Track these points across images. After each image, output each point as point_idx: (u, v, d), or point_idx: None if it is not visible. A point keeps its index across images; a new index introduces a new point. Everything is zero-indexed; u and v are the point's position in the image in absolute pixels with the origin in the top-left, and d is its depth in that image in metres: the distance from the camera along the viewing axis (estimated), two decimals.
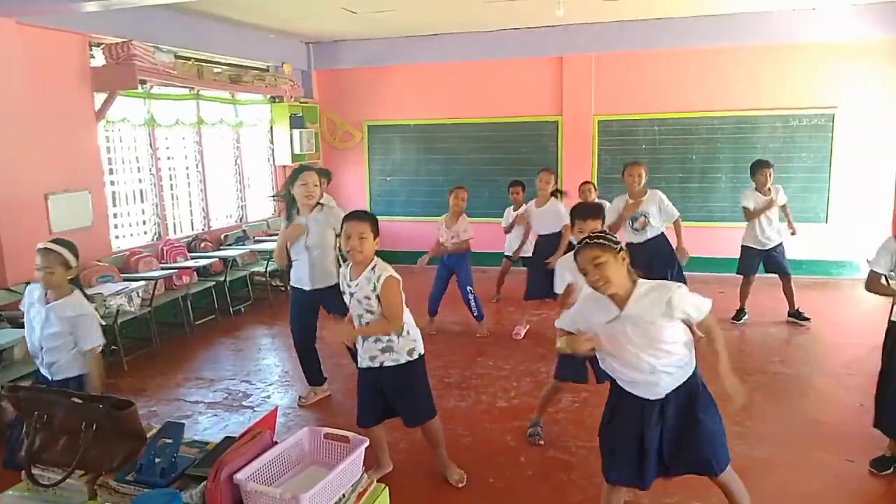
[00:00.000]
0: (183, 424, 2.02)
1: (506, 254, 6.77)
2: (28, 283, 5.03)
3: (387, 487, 1.98)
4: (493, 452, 3.84)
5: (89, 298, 4.93)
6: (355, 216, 3.15)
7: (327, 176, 6.95)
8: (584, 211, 3.70)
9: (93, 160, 5.91)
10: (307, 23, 7.61)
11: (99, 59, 5.93)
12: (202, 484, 1.81)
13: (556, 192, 5.92)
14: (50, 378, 3.23)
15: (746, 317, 6.19)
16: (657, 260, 5.39)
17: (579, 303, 2.77)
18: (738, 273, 6.20)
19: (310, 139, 8.73)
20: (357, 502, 1.87)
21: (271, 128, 8.54)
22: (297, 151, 8.51)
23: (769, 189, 6.04)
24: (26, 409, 2.10)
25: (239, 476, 1.73)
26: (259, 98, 8.19)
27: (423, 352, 3.35)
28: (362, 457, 1.90)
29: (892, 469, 3.51)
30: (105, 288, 5.31)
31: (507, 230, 6.50)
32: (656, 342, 2.46)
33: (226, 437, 2.04)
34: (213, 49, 7.18)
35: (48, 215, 5.36)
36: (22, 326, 4.49)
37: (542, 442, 3.91)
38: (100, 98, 5.92)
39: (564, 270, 3.56)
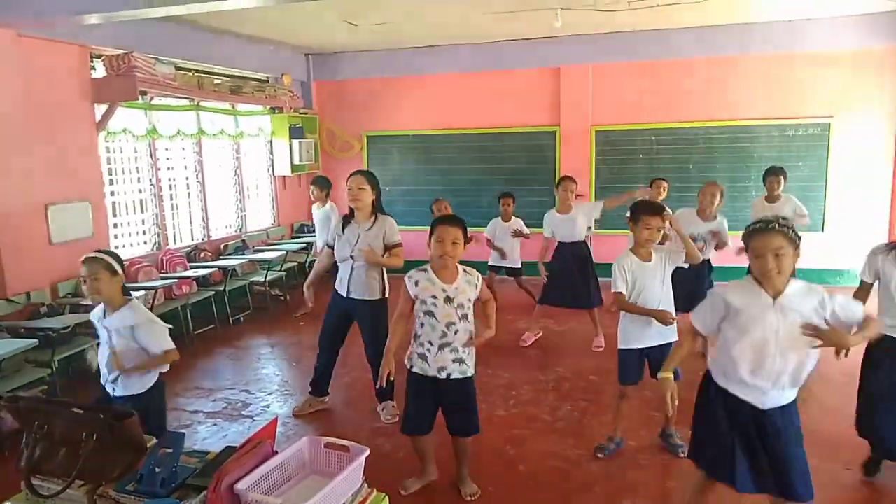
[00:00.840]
0: (183, 434, 2.03)
1: (490, 264, 6.73)
2: (28, 293, 5.08)
3: (387, 496, 1.99)
4: (492, 461, 3.83)
5: (86, 308, 4.96)
6: (449, 221, 3.14)
7: (327, 185, 7.00)
8: (652, 207, 3.66)
9: (93, 171, 5.92)
10: (307, 35, 7.66)
11: (100, 70, 5.96)
12: (202, 494, 1.82)
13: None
14: (112, 394, 3.12)
15: None
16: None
17: (720, 289, 2.69)
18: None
19: (309, 149, 8.77)
20: None
21: (271, 138, 8.57)
22: (296, 161, 8.55)
23: (778, 196, 5.84)
24: (26, 420, 2.11)
25: (239, 486, 1.74)
26: (259, 109, 8.23)
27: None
28: (362, 466, 1.91)
29: (881, 470, 3.55)
30: None
31: (516, 235, 6.49)
32: (800, 343, 2.43)
33: (226, 447, 2.05)
34: (213, 60, 7.22)
35: (48, 226, 5.37)
36: (23, 337, 4.53)
37: (601, 455, 3.83)
38: (100, 109, 5.94)
39: (622, 270, 3.59)
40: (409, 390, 3.32)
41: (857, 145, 7.59)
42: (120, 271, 3.09)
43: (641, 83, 8.14)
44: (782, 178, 5.82)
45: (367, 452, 1.93)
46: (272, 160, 8.66)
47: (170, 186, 7.02)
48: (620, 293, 3.58)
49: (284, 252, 7.57)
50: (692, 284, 4.65)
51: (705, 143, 8.05)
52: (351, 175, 4.23)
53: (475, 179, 8.75)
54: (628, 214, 3.71)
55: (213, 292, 6.73)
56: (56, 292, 5.42)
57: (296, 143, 8.52)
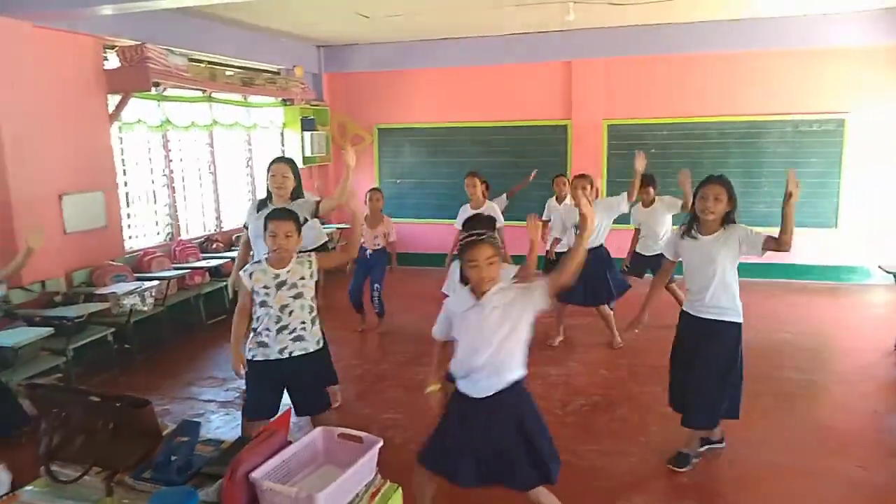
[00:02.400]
0: (199, 423, 2.05)
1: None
2: (43, 282, 5.13)
3: (400, 487, 2.00)
4: None
5: (103, 298, 5.00)
6: (278, 216, 3.20)
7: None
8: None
9: (106, 161, 5.96)
10: (319, 27, 7.66)
11: (113, 61, 5.98)
12: (218, 482, 1.84)
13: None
14: None
15: None
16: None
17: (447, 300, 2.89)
18: None
19: (321, 141, 8.78)
20: (371, 502, 1.89)
21: (283, 130, 8.59)
22: (308, 153, 8.56)
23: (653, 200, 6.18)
24: (44, 407, 2.13)
25: (255, 475, 1.76)
26: (271, 101, 8.24)
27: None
28: (376, 457, 1.92)
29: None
30: (118, 287, 5.36)
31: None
32: (501, 336, 2.58)
33: (241, 436, 2.07)
34: (225, 52, 7.23)
35: (62, 215, 5.41)
36: (38, 325, 4.57)
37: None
38: (113, 100, 5.98)
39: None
40: (248, 380, 3.32)
41: (872, 141, 7.52)
42: None
43: (654, 78, 8.09)
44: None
45: (381, 443, 1.94)
46: (284, 152, 8.68)
47: (182, 177, 7.05)
48: None
49: (307, 248, 7.58)
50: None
51: (718, 137, 8.00)
52: (274, 162, 4.23)
53: (485, 173, 8.66)
54: None
55: (226, 282, 6.76)
56: (70, 281, 5.47)
57: (307, 135, 8.53)
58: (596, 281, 5.53)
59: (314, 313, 3.28)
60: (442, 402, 2.75)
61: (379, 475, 1.98)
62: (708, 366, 3.45)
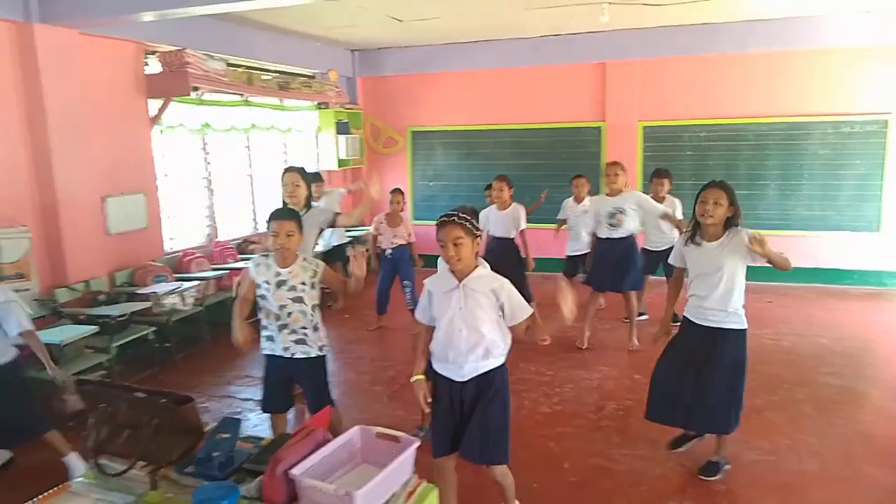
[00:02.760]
0: (240, 420, 2.10)
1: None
2: (87, 282, 5.28)
3: (436, 488, 2.02)
4: (536, 458, 3.84)
5: (144, 297, 5.14)
6: (281, 216, 3.30)
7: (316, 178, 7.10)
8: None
9: (147, 164, 6.11)
10: (353, 31, 7.74)
11: (154, 66, 6.13)
12: (259, 478, 1.88)
13: None
14: None
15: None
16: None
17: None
18: None
19: (354, 144, 8.87)
20: (407, 501, 1.92)
21: (317, 133, 8.70)
22: (342, 156, 8.66)
23: (664, 197, 6.20)
24: (92, 402, 2.20)
25: (294, 471, 1.79)
26: (306, 104, 8.35)
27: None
28: (413, 456, 1.95)
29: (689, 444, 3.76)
30: (159, 287, 5.49)
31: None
32: (481, 319, 2.73)
33: (281, 433, 2.11)
34: (262, 57, 7.36)
35: (105, 217, 5.57)
36: (83, 323, 4.71)
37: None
38: (154, 104, 6.13)
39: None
40: (263, 374, 3.49)
41: None
42: None
43: (690, 78, 7.99)
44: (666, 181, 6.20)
45: (418, 443, 1.96)
46: (318, 154, 8.79)
47: (220, 180, 7.19)
48: None
49: (331, 245, 7.68)
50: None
51: (756, 139, 7.86)
52: (285, 172, 4.35)
53: (517, 175, 8.61)
54: None
55: None
56: (113, 281, 5.62)
57: (341, 138, 8.62)
58: (623, 267, 5.57)
59: (315, 321, 3.36)
60: (427, 391, 2.84)
61: (416, 475, 2.00)
62: (721, 372, 3.40)
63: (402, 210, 6.27)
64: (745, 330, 3.43)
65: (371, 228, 6.41)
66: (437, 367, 2.86)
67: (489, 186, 6.43)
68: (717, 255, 3.33)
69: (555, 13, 6.75)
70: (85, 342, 4.74)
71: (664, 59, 7.99)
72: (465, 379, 2.77)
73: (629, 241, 5.60)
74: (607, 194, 5.59)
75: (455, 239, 2.65)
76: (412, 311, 6.24)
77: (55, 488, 2.01)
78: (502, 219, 5.92)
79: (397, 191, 6.34)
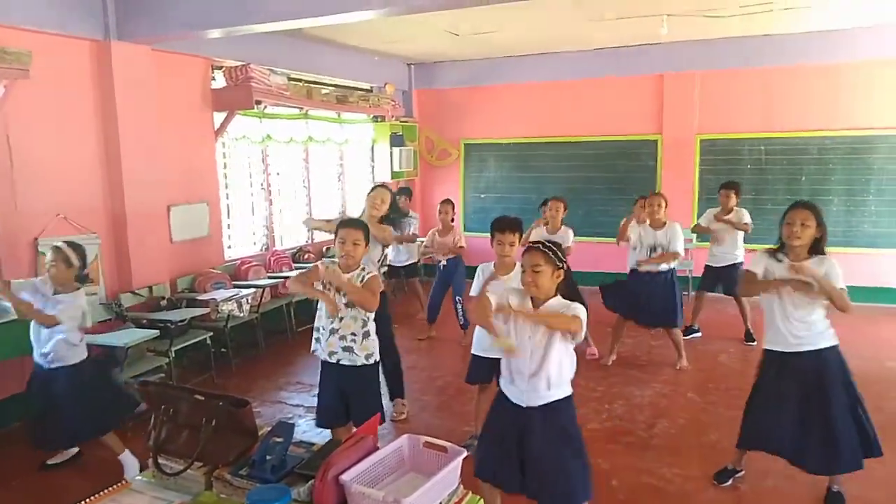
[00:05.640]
0: (293, 424, 2.14)
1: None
2: (150, 287, 5.49)
3: (482, 500, 2.03)
4: None
5: (204, 303, 5.34)
6: (351, 224, 3.42)
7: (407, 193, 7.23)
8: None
9: (211, 175, 6.34)
10: (410, 45, 7.86)
11: (219, 81, 6.37)
12: (310, 482, 1.92)
13: None
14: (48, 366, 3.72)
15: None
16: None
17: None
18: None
19: (408, 157, 8.98)
20: None
21: (373, 145, 8.85)
22: (396, 168, 8.77)
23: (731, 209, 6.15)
24: (154, 403, 2.29)
25: (344, 477, 1.83)
26: (362, 117, 8.51)
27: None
28: (459, 467, 1.96)
29: (731, 480, 3.64)
30: (218, 294, 5.68)
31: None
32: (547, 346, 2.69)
33: (331, 440, 2.15)
34: (322, 71, 7.55)
35: (169, 225, 5.79)
36: (145, 327, 4.90)
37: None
38: (218, 117, 6.36)
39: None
40: (318, 387, 3.57)
41: None
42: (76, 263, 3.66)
43: (750, 91, 7.80)
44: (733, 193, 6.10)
45: (466, 454, 1.97)
46: (373, 167, 8.93)
47: (278, 191, 7.39)
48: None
49: (384, 254, 7.77)
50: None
51: (820, 153, 7.61)
52: (376, 187, 4.63)
53: (572, 188, 8.65)
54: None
55: None
56: (175, 287, 5.82)
57: (396, 150, 8.74)
58: (666, 303, 5.42)
59: (366, 328, 3.39)
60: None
61: (461, 486, 2.01)
62: (835, 399, 3.24)
63: (452, 220, 6.35)
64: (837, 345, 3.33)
65: (426, 240, 6.48)
66: (502, 384, 2.84)
67: (546, 202, 6.42)
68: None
69: (614, 25, 6.71)
70: (146, 345, 4.94)
71: (723, 71, 7.83)
72: (529, 405, 2.71)
73: (671, 274, 5.47)
74: (650, 225, 5.48)
75: (534, 266, 2.65)
76: (462, 326, 6.32)
77: (116, 485, 2.09)
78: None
79: (447, 202, 6.42)
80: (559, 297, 2.72)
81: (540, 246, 2.69)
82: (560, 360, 2.69)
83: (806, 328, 3.24)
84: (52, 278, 3.66)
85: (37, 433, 3.83)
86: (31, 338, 3.71)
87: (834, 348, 3.28)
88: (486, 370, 3.79)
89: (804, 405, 3.27)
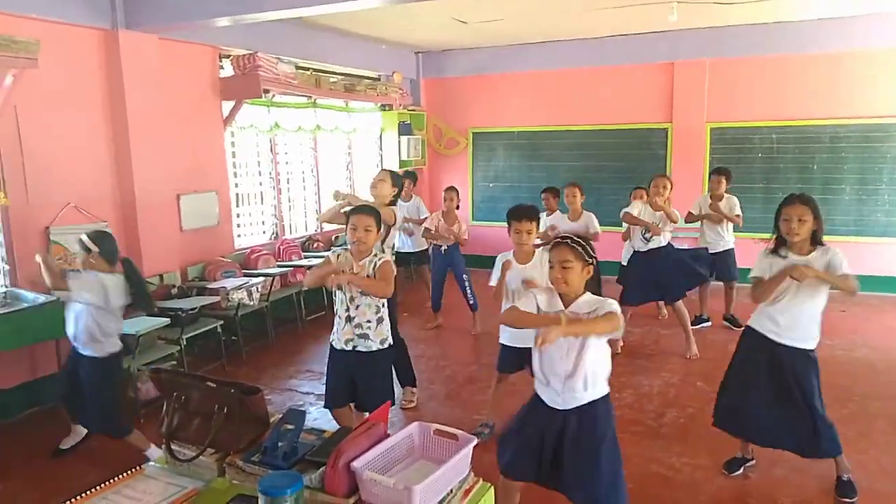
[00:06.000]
0: (304, 412, 2.15)
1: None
2: (161, 276, 5.51)
3: (492, 487, 2.03)
4: None
5: (214, 292, 5.34)
6: (362, 210, 3.40)
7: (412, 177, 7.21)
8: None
9: (220, 164, 6.35)
10: (418, 34, 7.83)
11: (227, 69, 6.36)
12: (321, 469, 1.93)
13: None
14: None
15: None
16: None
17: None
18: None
19: (416, 146, 8.97)
20: (463, 499, 1.94)
21: (381, 134, 8.83)
22: (404, 157, 8.77)
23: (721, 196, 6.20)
24: (166, 390, 2.30)
25: (355, 464, 1.84)
26: (370, 106, 8.49)
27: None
28: (470, 454, 1.97)
29: (742, 469, 3.64)
30: (228, 282, 5.70)
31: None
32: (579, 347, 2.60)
33: (342, 427, 2.16)
34: (330, 60, 7.53)
35: (179, 214, 5.81)
36: (156, 316, 4.93)
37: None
38: (227, 106, 6.35)
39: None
40: (327, 371, 3.59)
41: None
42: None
43: (762, 79, 7.73)
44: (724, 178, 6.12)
45: (476, 441, 1.98)
46: (381, 155, 8.93)
47: (287, 179, 7.40)
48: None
49: (392, 243, 7.79)
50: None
51: (832, 142, 7.54)
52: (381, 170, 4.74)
53: (581, 177, 8.53)
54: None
55: None
56: (185, 275, 5.85)
57: (404, 139, 8.74)
58: (665, 278, 5.50)
59: (380, 314, 3.42)
60: None
61: (472, 473, 2.02)
62: (811, 394, 3.26)
63: (457, 207, 6.36)
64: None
65: (429, 223, 6.48)
66: (537, 387, 2.73)
67: (546, 190, 6.42)
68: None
69: (622, 13, 6.65)
70: (157, 333, 4.96)
71: (734, 58, 7.75)
72: (564, 407, 2.63)
73: (666, 248, 5.57)
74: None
75: (563, 262, 2.55)
76: (472, 306, 6.32)
77: (130, 471, 2.11)
78: (575, 229, 5.72)
79: (451, 189, 6.43)
80: (588, 294, 2.62)
81: (569, 241, 2.59)
82: (596, 357, 2.58)
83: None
84: (83, 265, 3.72)
85: (70, 404, 3.90)
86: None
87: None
88: (515, 359, 3.79)
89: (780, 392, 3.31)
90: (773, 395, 3.31)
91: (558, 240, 2.63)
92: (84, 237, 3.68)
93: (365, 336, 3.40)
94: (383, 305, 3.43)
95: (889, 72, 7.20)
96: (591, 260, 2.60)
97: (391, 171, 4.73)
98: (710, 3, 6.27)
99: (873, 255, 7.14)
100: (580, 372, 2.56)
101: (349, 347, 3.42)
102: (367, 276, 3.33)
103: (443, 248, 6.31)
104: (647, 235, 5.48)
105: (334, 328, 3.48)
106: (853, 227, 7.37)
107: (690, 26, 7.54)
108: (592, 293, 2.64)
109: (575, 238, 2.62)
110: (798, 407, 3.26)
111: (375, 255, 3.39)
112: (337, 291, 3.41)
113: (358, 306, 3.37)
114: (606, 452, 2.62)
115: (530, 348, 2.73)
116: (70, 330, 3.70)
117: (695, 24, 7.48)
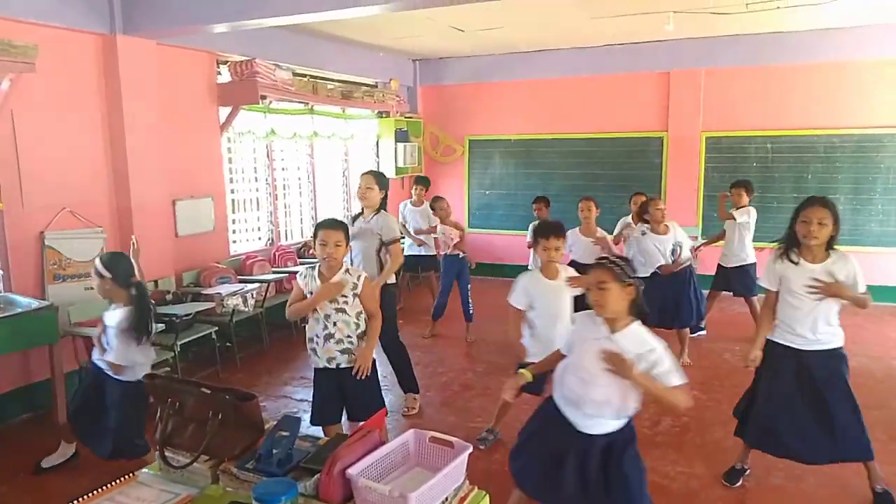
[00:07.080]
0: (299, 419, 2.14)
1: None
2: (156, 281, 5.49)
3: (488, 495, 2.02)
4: None
5: (209, 298, 5.28)
6: (331, 225, 3.31)
7: (424, 183, 7.22)
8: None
9: (216, 169, 6.34)
10: (415, 41, 7.85)
11: (225, 75, 6.36)
12: (316, 476, 1.92)
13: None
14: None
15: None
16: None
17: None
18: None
19: (413, 153, 8.98)
20: None
21: (377, 141, 8.84)
22: (400, 164, 8.78)
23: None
24: (161, 396, 2.29)
25: (351, 471, 1.83)
26: (367, 113, 8.50)
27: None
28: (465, 462, 1.96)
29: (741, 481, 3.60)
30: (223, 288, 5.69)
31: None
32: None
33: (338, 434, 2.15)
34: (327, 66, 7.54)
35: (175, 219, 5.80)
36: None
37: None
38: (223, 112, 6.35)
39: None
40: (314, 388, 3.51)
41: None
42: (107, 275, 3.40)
43: (757, 88, 7.78)
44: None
45: (471, 449, 1.97)
46: (378, 162, 8.93)
47: (283, 186, 7.39)
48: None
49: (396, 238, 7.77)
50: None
51: (826, 151, 7.58)
52: (363, 174, 4.59)
53: (577, 185, 8.64)
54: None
55: None
56: (180, 281, 5.84)
57: (400, 146, 8.75)
58: (678, 303, 5.41)
59: (360, 330, 3.36)
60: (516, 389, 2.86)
61: (468, 481, 2.01)
62: (843, 397, 3.26)
63: (447, 216, 6.38)
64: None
65: (439, 234, 6.48)
66: (561, 405, 2.66)
67: (538, 199, 6.43)
68: (825, 280, 3.15)
69: (619, 22, 6.69)
70: (151, 339, 4.92)
71: (730, 68, 7.80)
72: (589, 432, 2.58)
73: (684, 274, 5.45)
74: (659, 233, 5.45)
75: (599, 283, 2.47)
76: (467, 318, 6.32)
77: (122, 478, 2.09)
78: (591, 247, 5.62)
79: (438, 199, 6.56)
80: (638, 326, 2.53)
81: (605, 261, 2.53)
82: (628, 387, 2.48)
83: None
84: (99, 293, 3.49)
85: (81, 427, 3.68)
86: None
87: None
88: (536, 380, 3.76)
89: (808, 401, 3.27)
90: (807, 409, 3.25)
91: (596, 261, 2.59)
92: (98, 263, 3.43)
93: (347, 351, 3.34)
94: (360, 319, 3.36)
95: (883, 82, 7.25)
96: (629, 280, 2.49)
97: (375, 175, 4.58)
98: (706, 13, 6.31)
99: (868, 264, 7.02)
100: (612, 401, 2.50)
101: (332, 366, 3.35)
102: (344, 294, 3.28)
103: (459, 254, 6.31)
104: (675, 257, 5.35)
105: (312, 350, 3.37)
106: (847, 236, 7.34)
107: (686, 36, 7.58)
108: (639, 315, 2.57)
109: (611, 258, 2.57)
110: (833, 414, 3.22)
111: (348, 272, 3.34)
112: (310, 315, 3.34)
113: (335, 323, 3.30)
114: (632, 470, 2.59)
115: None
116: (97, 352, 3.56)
117: (691, 34, 7.53)
